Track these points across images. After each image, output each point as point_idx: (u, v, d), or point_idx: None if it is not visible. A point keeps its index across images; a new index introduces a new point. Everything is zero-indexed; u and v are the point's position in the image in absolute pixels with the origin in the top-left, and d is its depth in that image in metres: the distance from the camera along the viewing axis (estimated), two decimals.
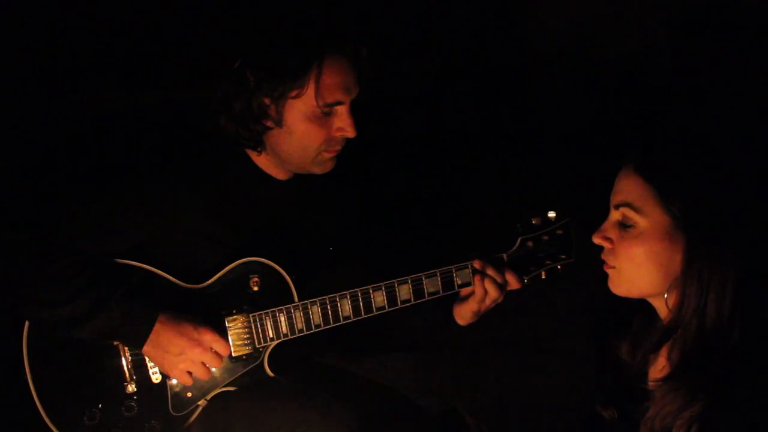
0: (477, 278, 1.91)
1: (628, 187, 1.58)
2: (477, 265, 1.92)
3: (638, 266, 1.57)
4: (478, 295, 1.92)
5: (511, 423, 2.53)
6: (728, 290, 1.49)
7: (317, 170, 1.96)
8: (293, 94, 1.82)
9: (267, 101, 1.84)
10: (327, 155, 1.93)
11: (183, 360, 1.87)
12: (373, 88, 1.96)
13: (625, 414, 1.70)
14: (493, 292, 1.91)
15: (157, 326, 1.85)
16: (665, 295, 1.57)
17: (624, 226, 1.58)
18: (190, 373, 1.89)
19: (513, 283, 1.94)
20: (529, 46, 3.36)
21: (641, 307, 1.69)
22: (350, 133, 1.90)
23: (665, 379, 1.56)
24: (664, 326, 1.58)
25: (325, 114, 1.86)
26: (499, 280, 1.91)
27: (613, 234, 1.60)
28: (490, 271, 1.91)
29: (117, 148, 2.32)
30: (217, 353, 1.89)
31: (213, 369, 1.92)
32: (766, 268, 1.52)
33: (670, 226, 1.53)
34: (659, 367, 1.65)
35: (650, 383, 1.66)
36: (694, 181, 1.53)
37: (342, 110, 1.88)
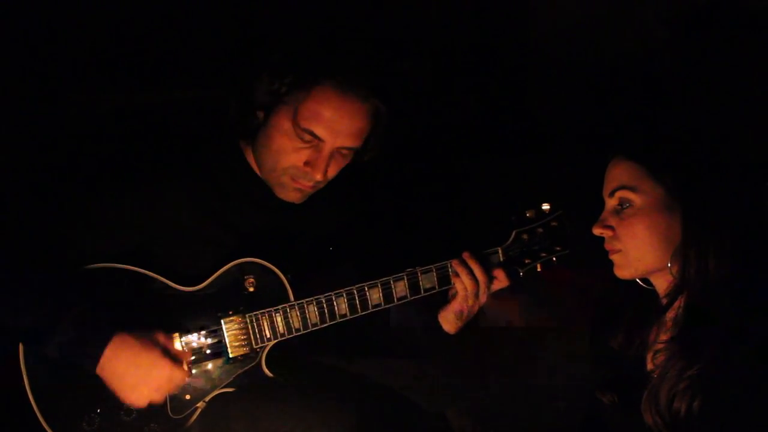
0: (453, 276, 1.92)
1: (620, 172, 1.65)
2: (454, 264, 1.91)
3: (642, 241, 1.62)
4: (460, 294, 1.91)
5: (510, 423, 2.52)
6: (726, 248, 1.55)
7: (278, 192, 1.94)
8: (286, 98, 1.82)
9: (267, 97, 1.84)
10: (291, 182, 1.90)
11: (138, 391, 1.79)
12: (379, 150, 1.94)
13: (625, 398, 1.71)
14: (470, 287, 1.89)
15: (109, 352, 1.76)
16: (669, 265, 1.61)
17: (621, 209, 1.64)
18: (146, 398, 1.81)
19: (501, 279, 1.93)
20: (529, 45, 3.36)
21: (633, 299, 1.74)
22: (315, 172, 1.85)
23: (670, 340, 1.60)
24: (670, 291, 1.62)
25: (299, 137, 1.83)
26: (476, 273, 1.89)
27: (612, 221, 1.66)
28: (465, 267, 1.90)
29: (114, 149, 2.33)
30: (173, 382, 1.82)
31: (210, 368, 1.92)
32: (759, 224, 1.58)
33: (665, 197, 1.59)
34: (655, 349, 1.67)
35: (649, 363, 1.69)
36: (680, 149, 1.62)
37: (322, 147, 1.84)
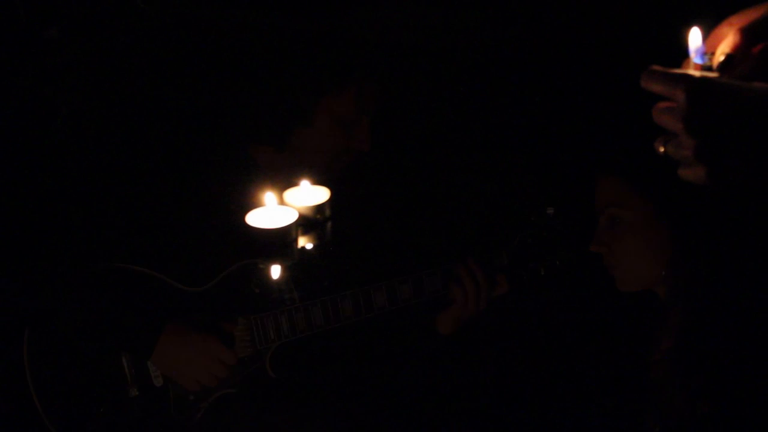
0: (455, 279, 1.91)
1: (608, 190, 1.66)
2: (457, 267, 1.92)
3: (636, 256, 1.62)
4: (461, 298, 1.91)
5: (510, 423, 2.52)
6: (716, 257, 1.53)
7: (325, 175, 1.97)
8: (335, 92, 1.86)
9: (304, 98, 1.87)
10: (337, 164, 1.96)
11: (191, 369, 1.88)
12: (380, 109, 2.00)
13: (627, 402, 1.73)
14: (472, 291, 1.90)
15: (164, 337, 1.85)
16: (663, 274, 1.60)
17: (613, 225, 1.64)
18: (198, 380, 1.90)
19: (503, 284, 1.95)
20: (530, 47, 3.36)
21: (638, 304, 1.73)
22: (365, 146, 1.93)
23: (672, 348, 1.59)
24: (668, 300, 1.62)
25: (352, 122, 1.90)
26: (478, 277, 1.90)
27: (606, 238, 1.66)
28: (468, 271, 1.90)
29: (119, 149, 2.32)
30: (223, 362, 1.89)
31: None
32: (749, 232, 1.56)
33: (653, 210, 1.59)
34: (659, 356, 1.67)
35: (652, 368, 1.68)
36: (662, 162, 1.58)
37: (364, 122, 1.92)
